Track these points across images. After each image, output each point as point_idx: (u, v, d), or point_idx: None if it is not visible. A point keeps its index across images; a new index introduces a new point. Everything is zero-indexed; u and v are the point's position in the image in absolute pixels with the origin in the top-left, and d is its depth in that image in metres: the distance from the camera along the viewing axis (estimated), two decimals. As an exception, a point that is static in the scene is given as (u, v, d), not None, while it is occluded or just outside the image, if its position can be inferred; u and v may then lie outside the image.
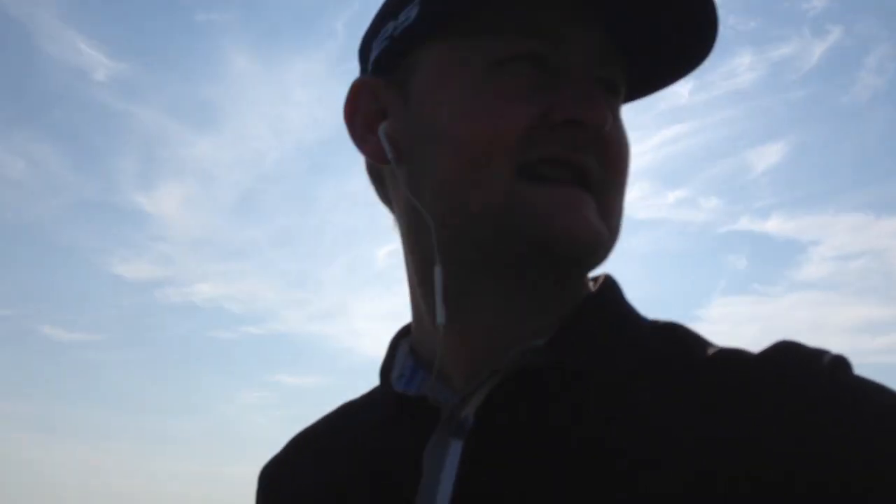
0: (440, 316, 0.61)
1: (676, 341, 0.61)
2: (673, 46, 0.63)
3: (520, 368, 0.59)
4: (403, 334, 0.74)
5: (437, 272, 0.61)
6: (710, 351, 0.59)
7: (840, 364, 0.55)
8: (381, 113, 0.66)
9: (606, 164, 0.60)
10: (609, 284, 0.66)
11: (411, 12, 0.63)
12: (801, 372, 0.54)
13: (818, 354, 0.56)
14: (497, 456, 0.57)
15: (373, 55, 0.68)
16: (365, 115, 0.67)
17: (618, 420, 0.55)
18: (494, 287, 0.62)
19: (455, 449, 0.58)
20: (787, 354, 0.56)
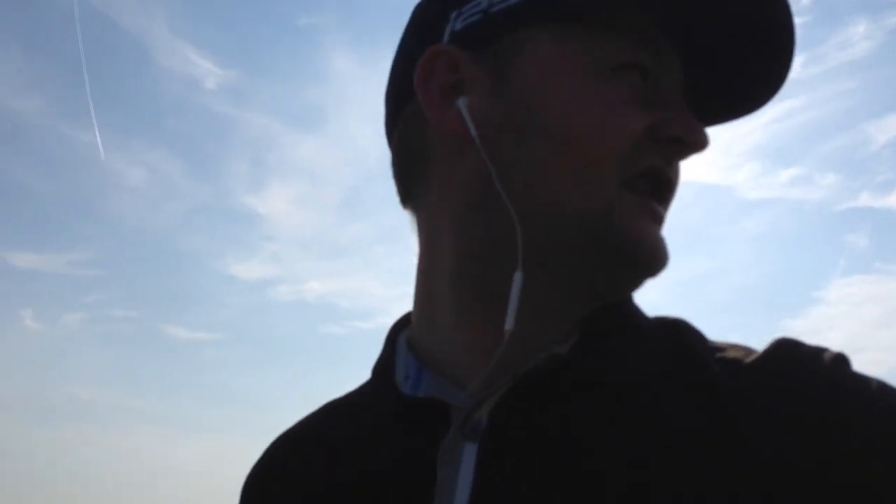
0: (510, 321, 0.58)
1: (684, 342, 0.61)
2: (733, 100, 0.66)
3: (537, 372, 0.58)
4: (401, 327, 0.71)
5: (517, 277, 0.58)
6: (717, 351, 0.60)
7: (840, 361, 0.56)
8: (458, 86, 0.62)
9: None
10: None
11: None
12: (802, 371, 0.55)
13: (818, 352, 0.57)
14: (514, 458, 0.56)
15: (453, 26, 0.64)
16: (442, 84, 0.63)
17: (633, 425, 0.55)
18: (542, 291, 0.60)
19: (469, 451, 0.57)
20: (788, 353, 0.57)
